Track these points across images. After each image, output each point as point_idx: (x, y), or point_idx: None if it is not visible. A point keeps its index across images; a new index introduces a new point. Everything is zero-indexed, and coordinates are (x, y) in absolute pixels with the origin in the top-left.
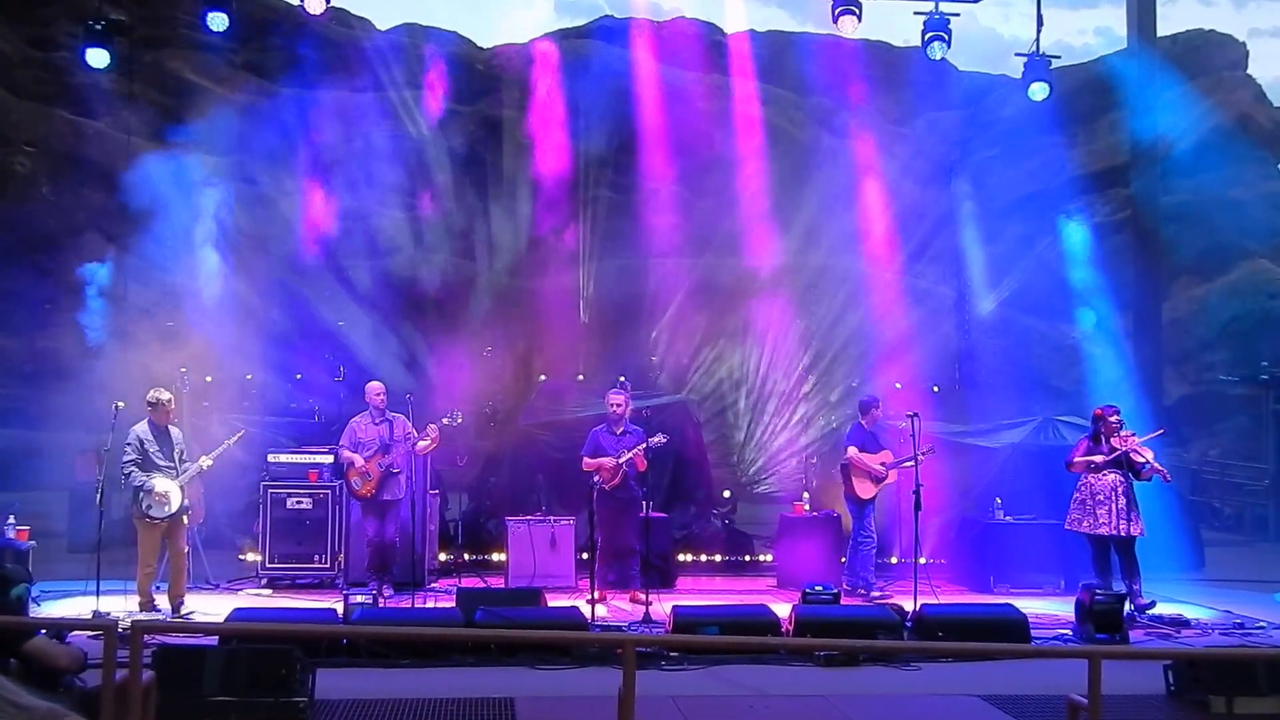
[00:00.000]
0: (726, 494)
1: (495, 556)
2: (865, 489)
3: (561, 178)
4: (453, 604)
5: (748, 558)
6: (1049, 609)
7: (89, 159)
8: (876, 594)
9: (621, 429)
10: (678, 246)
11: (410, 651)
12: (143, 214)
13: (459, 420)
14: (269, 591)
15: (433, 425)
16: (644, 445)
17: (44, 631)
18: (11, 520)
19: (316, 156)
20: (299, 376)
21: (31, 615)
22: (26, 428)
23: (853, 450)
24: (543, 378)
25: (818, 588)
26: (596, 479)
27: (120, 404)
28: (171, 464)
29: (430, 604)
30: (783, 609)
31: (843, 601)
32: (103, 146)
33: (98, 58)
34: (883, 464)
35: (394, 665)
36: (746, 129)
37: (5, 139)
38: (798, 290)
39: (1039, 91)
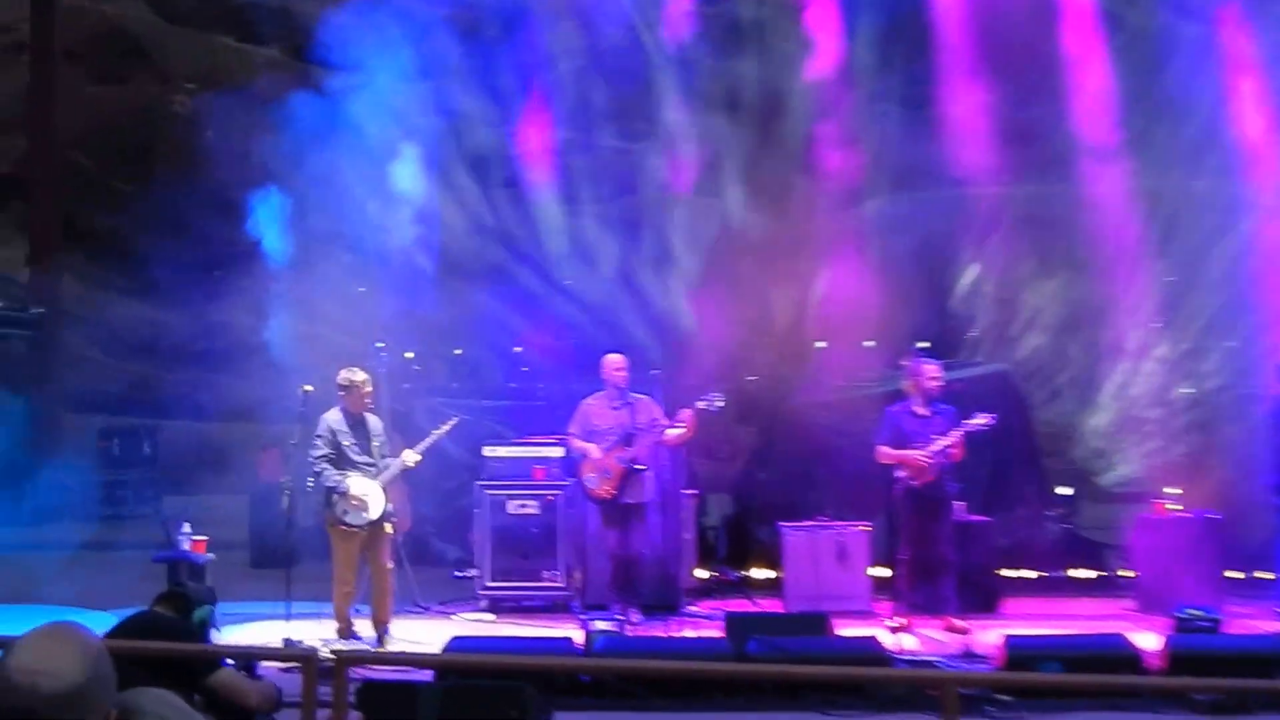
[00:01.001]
0: (1064, 490)
1: (768, 572)
2: None
3: (836, 91)
4: (718, 632)
5: (1096, 573)
6: None
7: (261, 95)
8: None
9: (928, 408)
10: (990, 173)
11: (666, 690)
12: (327, 161)
13: (719, 402)
14: (491, 616)
15: (685, 410)
16: (963, 430)
17: (231, 662)
18: (187, 529)
19: (534, 78)
20: (519, 350)
21: (215, 642)
22: (197, 419)
23: None
24: (821, 344)
25: (1193, 611)
26: (901, 473)
27: (307, 388)
28: (370, 460)
29: (689, 632)
30: (1146, 639)
31: (1230, 629)
32: (277, 79)
33: None
34: None
35: (647, 707)
36: (1077, 19)
37: (161, 74)
38: (1155, 223)
39: None
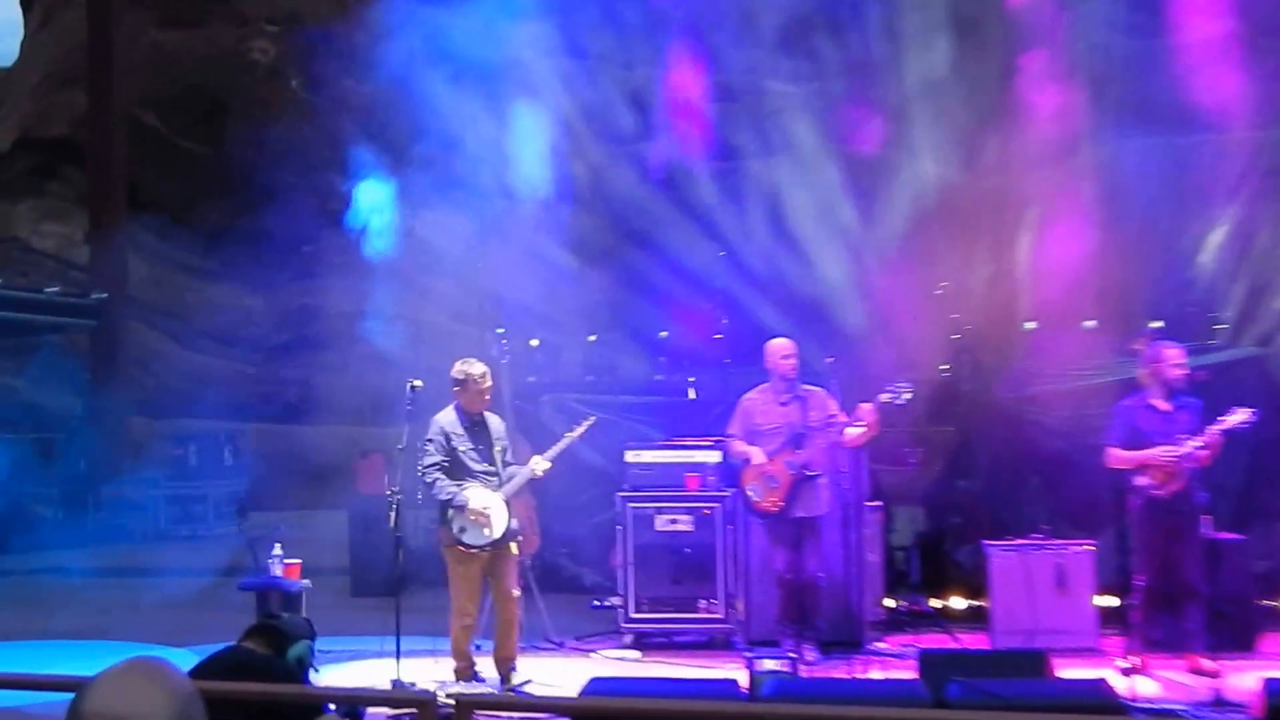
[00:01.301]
0: None
1: (970, 601)
2: None
3: (1048, 16)
4: (910, 673)
5: None
6: None
7: (352, 40)
8: None
9: (1170, 402)
10: (1239, 116)
11: None
12: (434, 114)
13: (907, 395)
14: (636, 654)
15: (866, 404)
16: (1219, 428)
17: (334, 708)
18: (278, 551)
19: (675, 13)
20: (664, 335)
21: (314, 684)
22: (286, 421)
23: None
24: (1031, 325)
25: None
26: (1141, 480)
27: (416, 383)
28: (491, 468)
29: (876, 674)
30: None
31: None
32: (372, 21)
33: None
34: None
35: None
36: None
37: (238, 16)
38: None
39: None
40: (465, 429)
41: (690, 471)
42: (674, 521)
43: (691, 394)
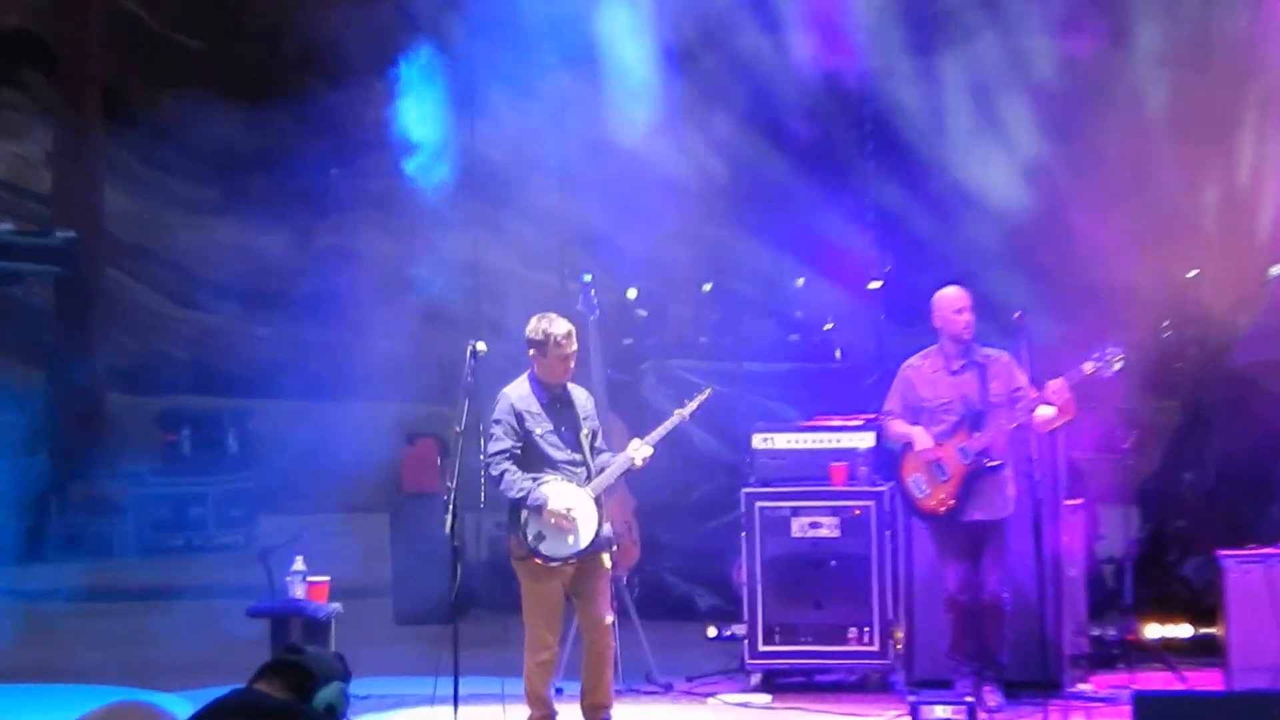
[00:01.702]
0: None
1: (1199, 629)
2: None
3: None
4: None
5: None
6: None
7: None
8: None
9: None
10: None
11: None
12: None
13: (1117, 363)
14: (765, 698)
15: (1058, 379)
16: None
17: None
18: (299, 567)
19: None
20: (801, 283)
21: None
22: (311, 398)
23: None
24: (1276, 270)
25: None
26: None
27: (479, 346)
28: (577, 457)
29: None
30: None
31: None
32: None
33: None
34: None
35: None
36: None
37: None
38: None
39: None
40: (543, 406)
41: (836, 460)
42: (815, 526)
43: (838, 356)
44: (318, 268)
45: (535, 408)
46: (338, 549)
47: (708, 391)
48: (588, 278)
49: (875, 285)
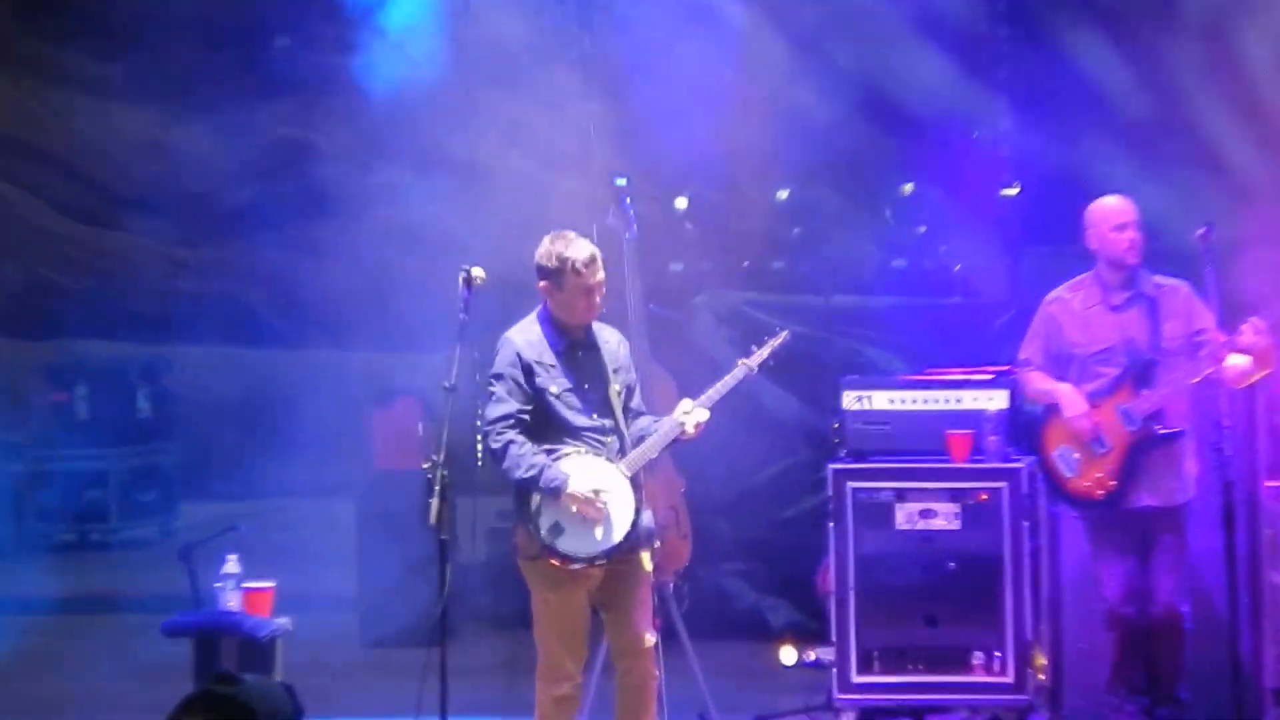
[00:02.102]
0: None
1: None
2: None
3: None
4: None
5: None
6: None
7: None
8: None
9: None
10: None
11: None
12: None
13: None
14: None
15: (1255, 319)
16: None
17: None
18: (233, 569)
19: None
20: (909, 189)
21: None
22: (245, 344)
23: None
24: None
25: None
26: None
27: (475, 273)
28: (606, 421)
29: None
30: None
31: None
32: None
33: None
34: None
35: None
36: None
37: None
38: None
39: None
40: (560, 355)
41: (956, 427)
42: (927, 515)
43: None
44: (259, 169)
45: (549, 358)
46: (286, 545)
47: (783, 334)
48: (622, 182)
49: (1010, 193)
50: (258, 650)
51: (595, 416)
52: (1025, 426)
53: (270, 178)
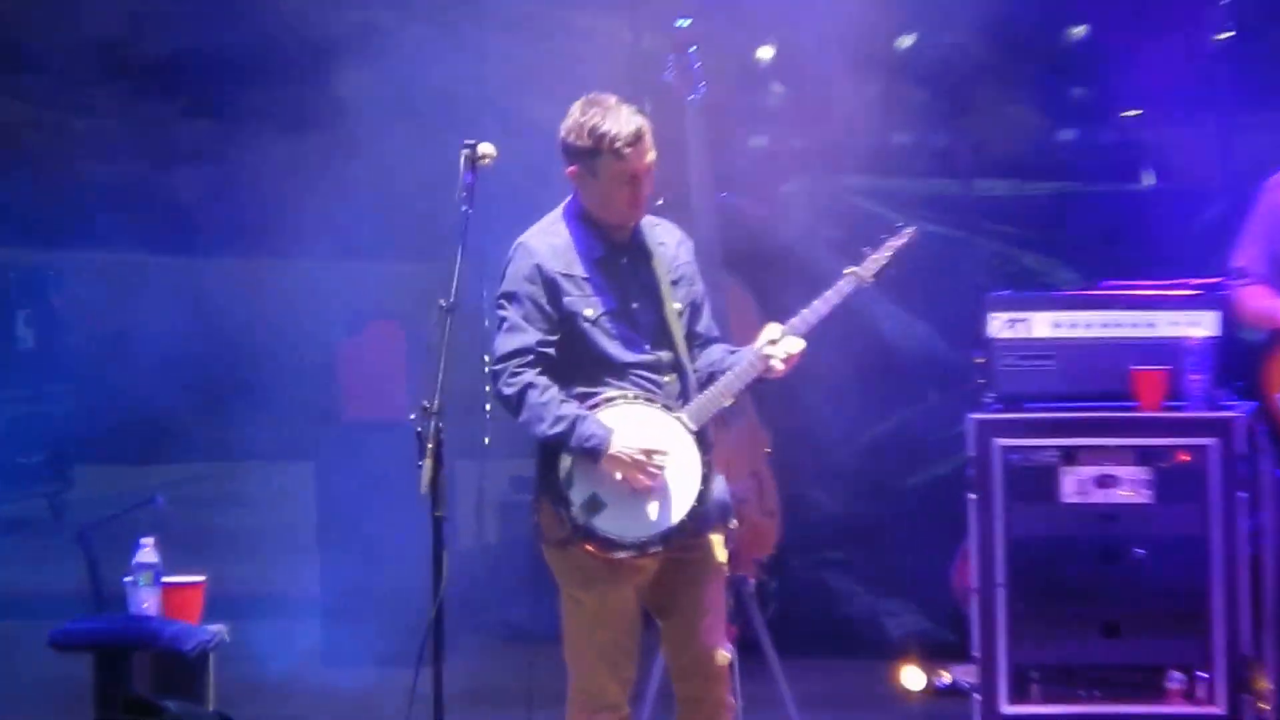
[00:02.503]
0: None
1: None
2: None
3: None
4: None
5: None
6: None
7: None
8: None
9: None
10: None
11: None
12: None
13: None
14: None
15: None
16: None
17: None
18: (149, 558)
19: None
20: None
21: None
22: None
23: None
24: None
25: None
26: None
27: (482, 150)
28: (663, 354)
29: None
30: None
31: None
32: None
33: None
34: None
35: None
36: None
37: None
38: None
39: None
40: (596, 265)
41: (1144, 361)
42: (1106, 483)
43: (1148, 179)
44: (182, 17)
45: (580, 269)
46: (224, 526)
47: (909, 233)
48: (684, 23)
49: (1223, 39)
50: (182, 668)
51: (648, 348)
52: (1241, 361)
53: (201, 20)
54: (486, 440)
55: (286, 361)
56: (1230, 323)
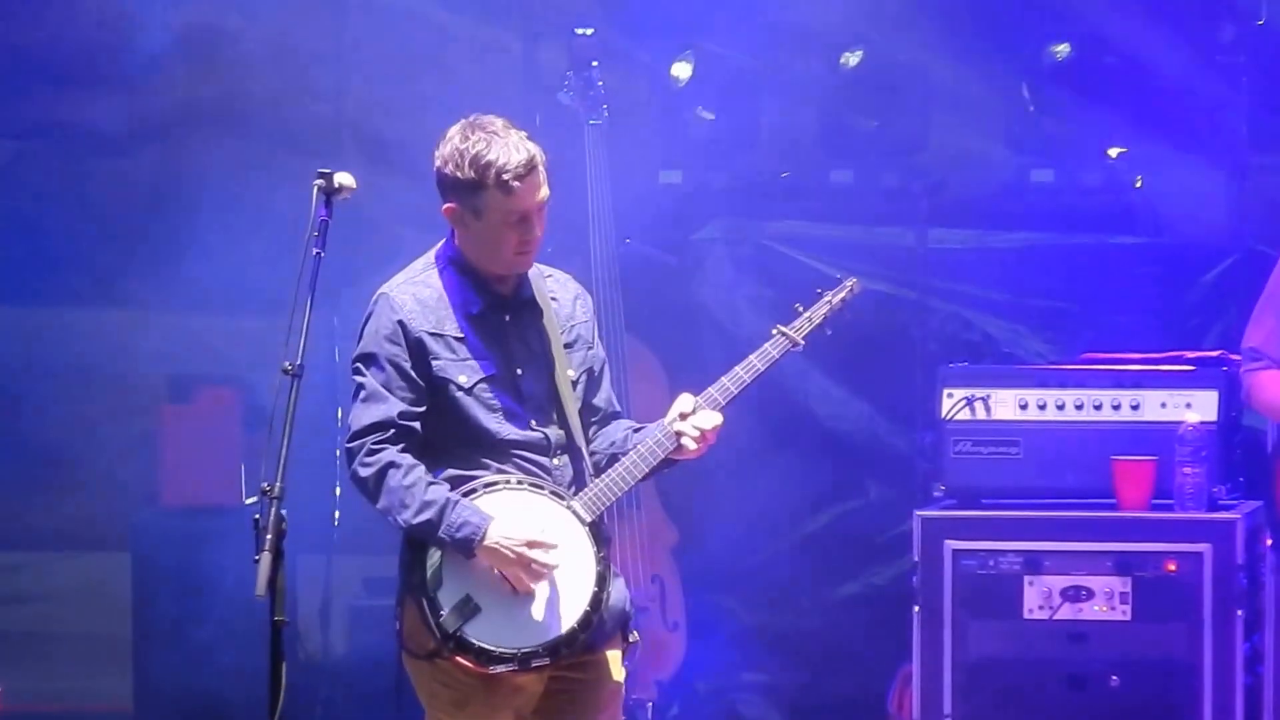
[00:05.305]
0: None
1: None
2: None
3: None
4: None
5: None
6: None
7: None
8: None
9: None
10: None
11: None
12: None
13: None
14: None
15: None
16: None
17: None
18: None
19: None
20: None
21: None
22: None
23: None
24: None
25: None
26: None
27: (340, 180)
28: (551, 431)
29: None
30: None
31: None
32: None
33: None
34: None
35: None
36: None
37: None
38: None
39: None
40: (473, 321)
41: (1129, 452)
42: (1076, 596)
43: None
44: None
45: (452, 327)
46: (22, 631)
47: (848, 287)
48: (585, 32)
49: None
50: None
51: (534, 424)
52: (1247, 453)
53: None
54: (336, 518)
55: (107, 433)
56: (1232, 405)
